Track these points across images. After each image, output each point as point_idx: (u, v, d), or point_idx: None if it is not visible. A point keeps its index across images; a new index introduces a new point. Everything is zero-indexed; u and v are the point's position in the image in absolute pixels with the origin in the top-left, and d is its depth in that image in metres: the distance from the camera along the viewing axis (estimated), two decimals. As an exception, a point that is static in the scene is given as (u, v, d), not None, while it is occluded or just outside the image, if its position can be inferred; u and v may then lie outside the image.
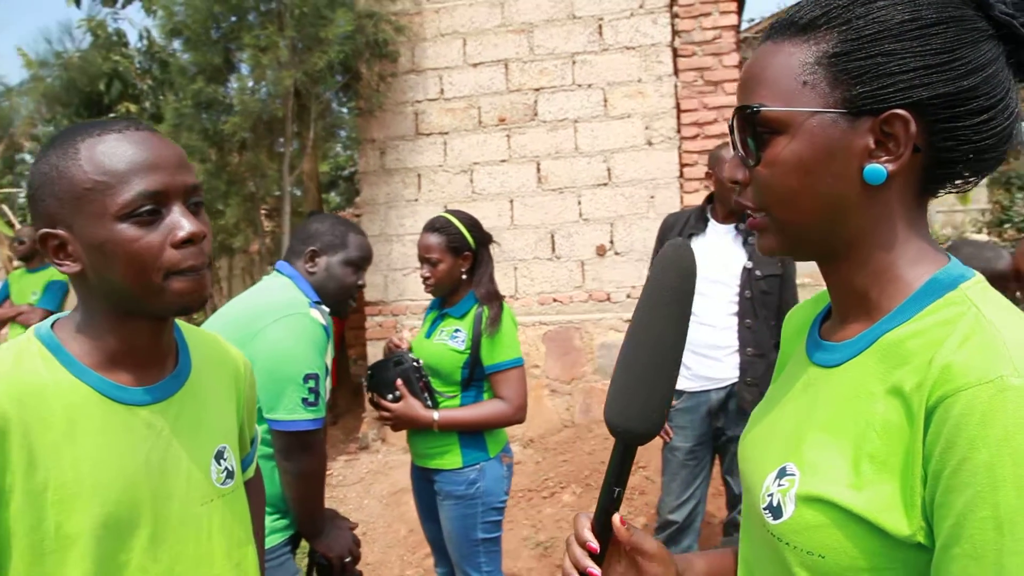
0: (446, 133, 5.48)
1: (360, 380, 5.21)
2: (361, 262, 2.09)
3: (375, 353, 5.46)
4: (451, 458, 2.29)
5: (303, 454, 1.80)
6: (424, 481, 2.41)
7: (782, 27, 0.72)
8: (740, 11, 5.48)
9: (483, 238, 2.40)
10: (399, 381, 2.24)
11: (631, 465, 0.78)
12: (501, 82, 5.45)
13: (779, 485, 0.71)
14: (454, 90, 5.51)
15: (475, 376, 2.31)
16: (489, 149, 5.42)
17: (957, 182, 0.72)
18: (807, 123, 0.68)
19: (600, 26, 5.35)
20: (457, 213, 2.39)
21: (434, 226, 2.34)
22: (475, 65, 5.49)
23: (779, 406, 0.80)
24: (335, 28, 5.03)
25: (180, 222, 0.93)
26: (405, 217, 5.46)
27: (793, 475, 0.70)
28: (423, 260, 2.34)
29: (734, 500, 2.86)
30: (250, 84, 5.36)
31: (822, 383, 0.74)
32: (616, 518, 0.77)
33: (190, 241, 0.93)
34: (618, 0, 5.34)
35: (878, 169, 0.67)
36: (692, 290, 0.76)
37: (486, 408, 2.30)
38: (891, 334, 0.69)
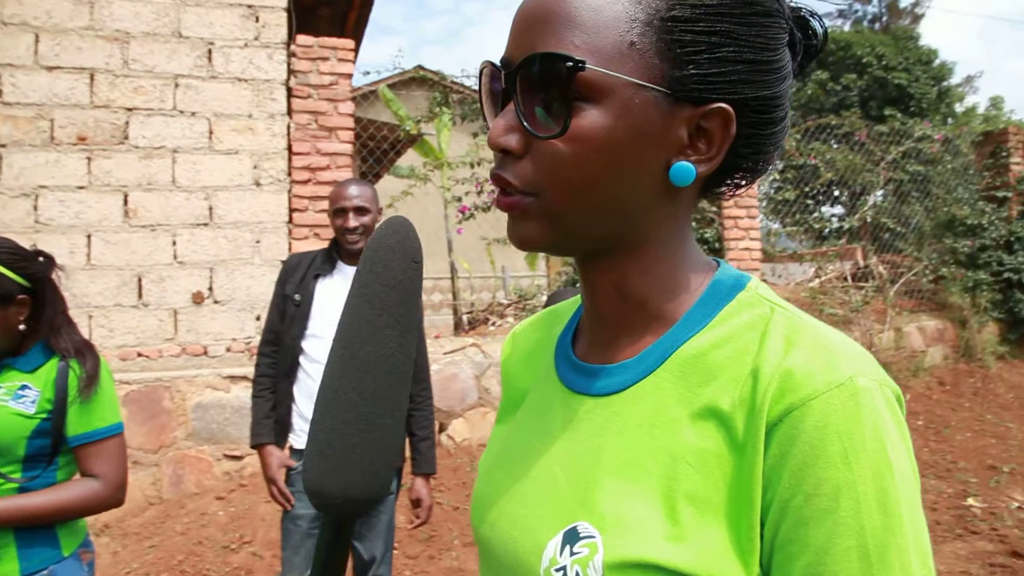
0: (3, 145, 4.50)
1: None
2: None
3: None
4: (2, 565, 1.68)
5: None
6: None
7: None
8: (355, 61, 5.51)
9: (37, 271, 1.82)
10: None
11: (347, 549, 0.57)
12: (84, 94, 4.67)
13: (573, 554, 0.54)
14: (18, 94, 4.56)
15: (50, 449, 1.76)
16: (63, 171, 4.59)
17: (723, 189, 0.64)
18: (629, 97, 0.54)
19: (210, 51, 4.92)
20: None
21: None
22: (50, 68, 4.63)
23: (534, 451, 0.64)
24: None
25: None
26: (-63, 246, 4.34)
27: (592, 537, 0.54)
28: None
29: (363, 567, 2.65)
30: None
31: (598, 415, 0.60)
32: None
33: None
34: (232, 27, 4.97)
35: (688, 168, 0.56)
36: (420, 288, 0.58)
37: (72, 492, 1.75)
38: (687, 346, 0.58)
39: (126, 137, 4.72)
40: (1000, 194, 8.41)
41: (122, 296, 4.60)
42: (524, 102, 0.56)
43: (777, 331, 0.55)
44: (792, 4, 0.62)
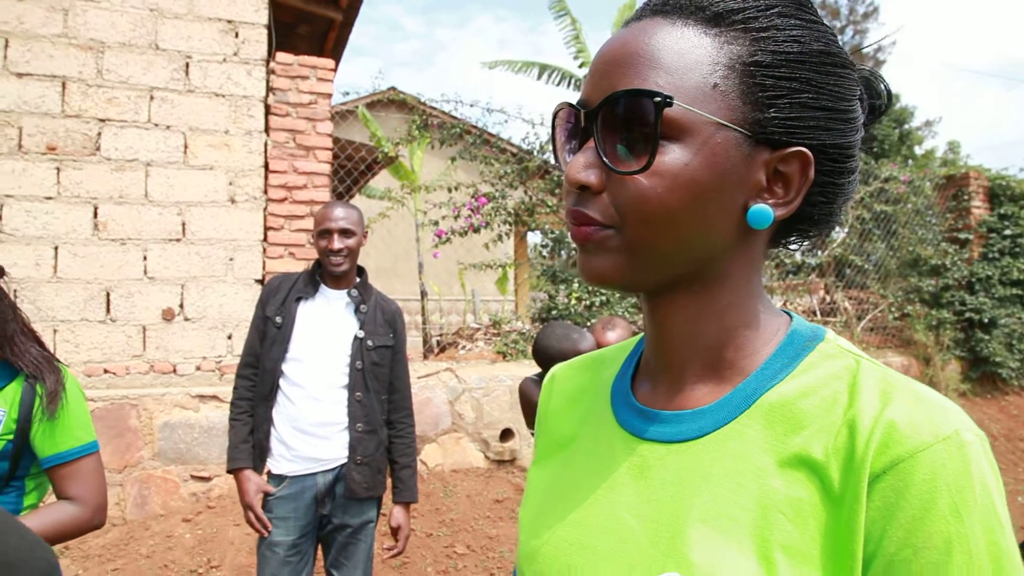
0: (-32, 153, 4.37)
1: None
2: None
3: None
4: None
5: None
6: None
7: (680, 7, 0.57)
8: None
9: None
10: None
11: None
12: (55, 102, 4.56)
13: None
14: (-14, 100, 4.44)
15: (17, 472, 1.66)
16: (30, 181, 4.46)
17: (794, 241, 0.63)
18: (711, 135, 0.54)
19: (187, 64, 4.85)
20: None
21: None
22: (20, 75, 4.51)
23: (596, 499, 0.62)
24: None
25: None
26: None
27: None
28: None
29: None
30: None
31: (672, 462, 0.59)
32: None
33: None
34: (211, 42, 4.91)
35: (765, 211, 0.56)
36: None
37: (48, 517, 1.64)
38: (770, 394, 0.57)
39: (98, 148, 4.61)
40: (962, 236, 8.67)
41: (89, 311, 4.45)
42: (605, 140, 0.56)
43: (869, 382, 0.55)
44: (857, 64, 0.63)
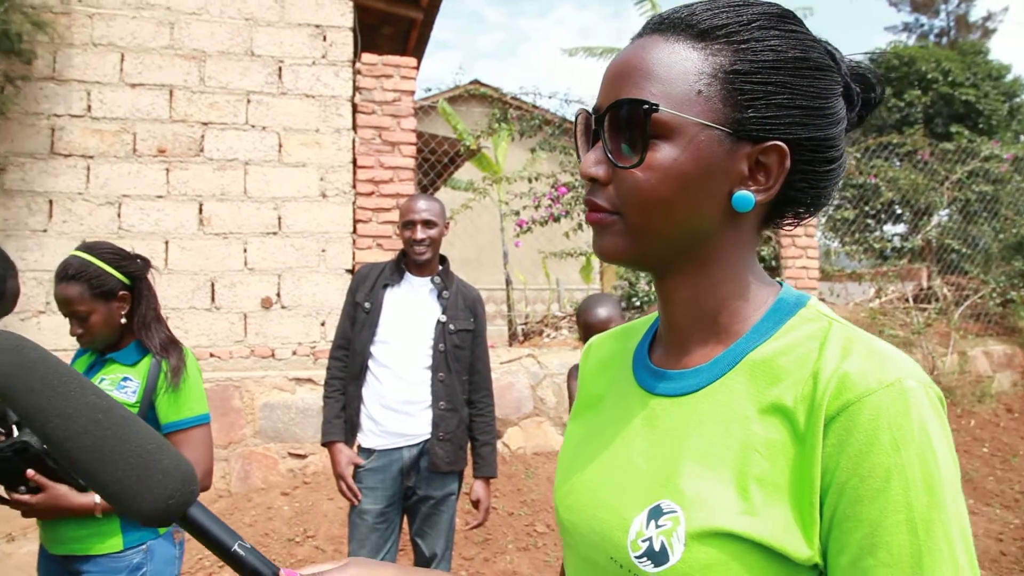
0: (91, 157, 4.79)
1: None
2: (9, 310, 1.69)
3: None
4: (107, 541, 1.87)
5: None
6: (63, 574, 1.93)
7: (674, 25, 0.67)
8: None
9: (137, 270, 2.00)
10: (31, 472, 1.76)
11: (213, 528, 0.65)
12: (164, 109, 4.94)
13: (658, 527, 0.63)
14: (105, 109, 4.85)
15: None
16: (144, 181, 4.85)
17: (788, 221, 0.74)
18: (696, 136, 0.64)
19: (280, 68, 5.14)
20: (93, 248, 1.97)
21: (67, 272, 1.90)
22: (134, 85, 4.91)
23: (615, 445, 0.74)
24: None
25: None
26: (28, 250, 4.63)
27: (674, 512, 0.63)
28: (67, 315, 1.91)
29: (424, 564, 2.74)
30: None
31: (674, 412, 0.70)
32: (283, 574, 0.65)
33: None
34: (301, 46, 5.19)
35: (747, 197, 0.66)
36: (39, 358, 0.65)
37: None
38: (755, 353, 0.67)
39: (201, 150, 4.96)
40: (1073, 217, 8.15)
41: (196, 299, 4.83)
42: (610, 139, 0.67)
43: (834, 341, 0.64)
44: (852, 62, 0.72)
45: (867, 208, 7.95)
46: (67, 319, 1.94)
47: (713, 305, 0.71)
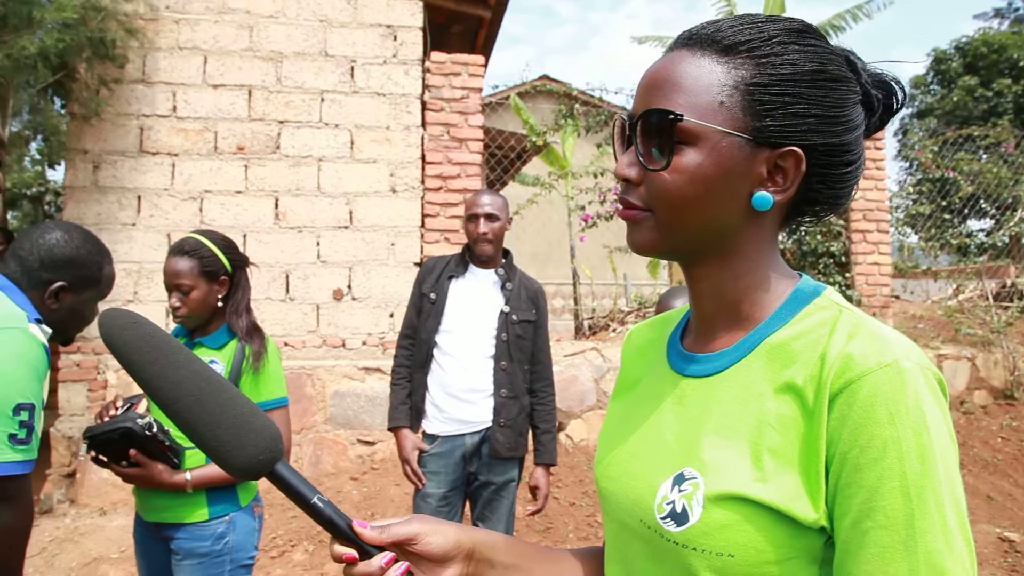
0: (175, 155, 5.07)
1: (49, 430, 4.55)
2: (105, 295, 1.83)
3: (69, 398, 4.82)
4: (194, 510, 2.03)
5: (4, 506, 1.48)
6: (155, 540, 2.11)
7: (701, 40, 0.74)
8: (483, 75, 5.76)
9: (240, 260, 2.19)
10: (133, 452, 1.94)
11: (296, 482, 0.73)
12: (243, 108, 5.18)
13: (680, 491, 0.71)
14: (189, 109, 5.12)
15: None
16: (224, 178, 5.10)
17: (808, 219, 0.81)
18: (719, 142, 0.71)
19: (352, 68, 5.32)
20: (208, 233, 2.16)
21: (183, 248, 2.09)
22: (215, 86, 5.16)
23: (648, 421, 0.82)
24: (53, 11, 4.34)
25: None
26: (119, 243, 4.93)
27: (694, 478, 0.71)
28: (172, 288, 2.08)
29: None
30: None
31: (702, 392, 0.77)
32: (355, 525, 0.74)
33: None
34: (372, 46, 5.35)
35: (766, 197, 0.73)
36: (150, 333, 0.74)
37: None
38: (773, 337, 0.74)
39: (277, 147, 5.18)
40: None
41: (272, 291, 5.05)
42: (642, 144, 0.75)
43: (842, 327, 0.71)
44: (874, 70, 0.78)
45: (944, 203, 7.64)
46: (169, 293, 2.10)
47: (736, 294, 0.78)
